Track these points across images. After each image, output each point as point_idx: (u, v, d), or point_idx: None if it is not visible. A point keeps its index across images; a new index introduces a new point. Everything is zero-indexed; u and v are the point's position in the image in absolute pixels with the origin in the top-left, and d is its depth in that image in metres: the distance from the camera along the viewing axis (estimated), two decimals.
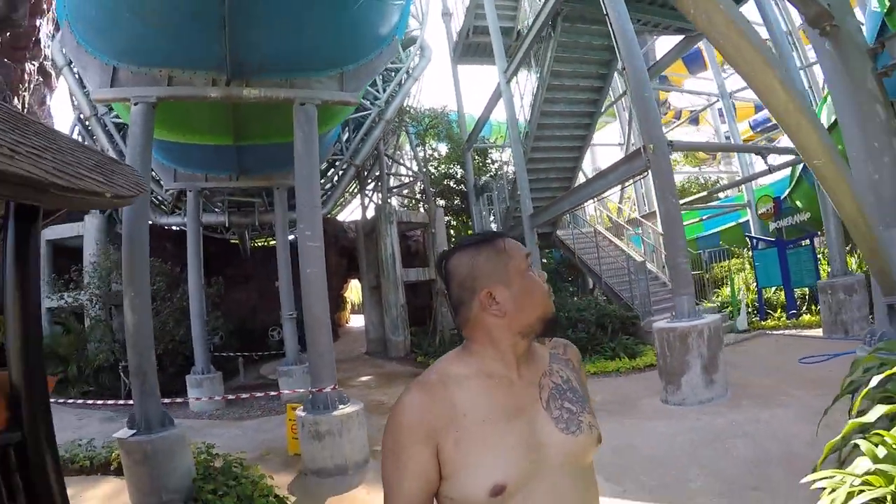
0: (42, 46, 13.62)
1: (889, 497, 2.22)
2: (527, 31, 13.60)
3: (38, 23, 13.04)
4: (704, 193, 20.32)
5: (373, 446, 6.24)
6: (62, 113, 72.23)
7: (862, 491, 2.28)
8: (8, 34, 12.08)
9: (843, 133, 5.31)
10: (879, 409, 2.63)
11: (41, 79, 14.46)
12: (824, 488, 2.54)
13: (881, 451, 2.41)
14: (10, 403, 2.94)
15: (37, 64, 13.82)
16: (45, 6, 13.21)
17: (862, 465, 2.43)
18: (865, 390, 2.93)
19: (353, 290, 30.84)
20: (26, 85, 13.31)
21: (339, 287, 23.75)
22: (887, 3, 7.67)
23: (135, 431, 5.45)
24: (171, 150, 10.28)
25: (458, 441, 1.16)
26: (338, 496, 5.21)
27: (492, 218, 18.47)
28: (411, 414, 1.19)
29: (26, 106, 13.02)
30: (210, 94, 6.91)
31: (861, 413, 2.82)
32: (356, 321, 28.25)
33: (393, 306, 16.23)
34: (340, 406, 6.11)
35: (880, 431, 2.52)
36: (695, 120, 27.48)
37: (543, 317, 1.27)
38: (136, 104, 6.58)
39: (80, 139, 13.86)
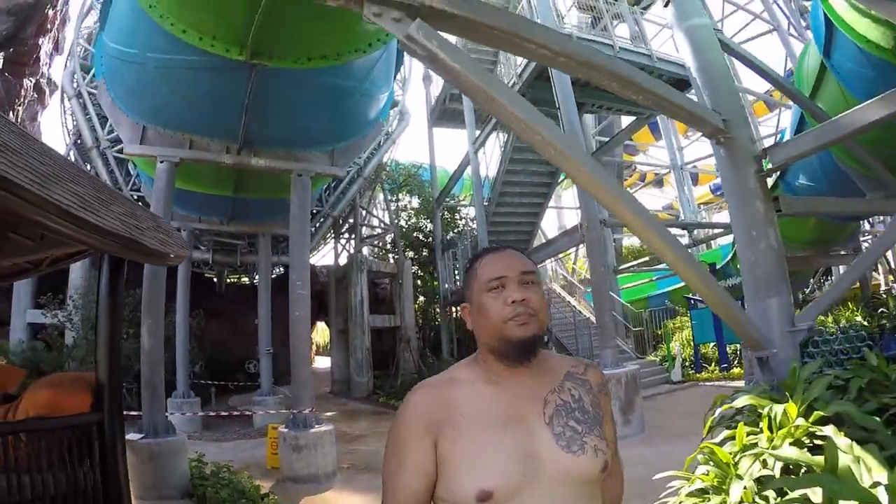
0: (41, 64, 14.53)
1: (710, 488, 3.49)
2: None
3: (40, 41, 13.88)
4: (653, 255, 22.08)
5: (339, 464, 7.45)
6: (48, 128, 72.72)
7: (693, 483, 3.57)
8: (12, 51, 12.86)
9: (731, 223, 6.87)
10: (723, 433, 3.93)
11: (36, 95, 15.32)
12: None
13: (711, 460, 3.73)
14: (96, 394, 4.17)
15: (34, 80, 14.89)
16: (48, 26, 14.13)
17: (700, 469, 3.73)
18: (711, 417, 4.24)
19: (319, 332, 31.78)
20: (22, 100, 14.28)
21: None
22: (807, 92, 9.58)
23: (143, 435, 6.61)
24: (184, 201, 11.52)
25: (454, 441, 1.19)
26: (311, 497, 6.36)
27: (456, 272, 19.89)
28: (413, 409, 1.25)
29: (19, 119, 13.90)
30: (224, 160, 8.28)
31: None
32: (321, 362, 29.17)
33: (359, 349, 17.41)
34: (316, 426, 7.34)
35: (709, 444, 3.80)
36: (659, 182, 29.54)
37: (498, 339, 1.26)
38: (161, 162, 7.93)
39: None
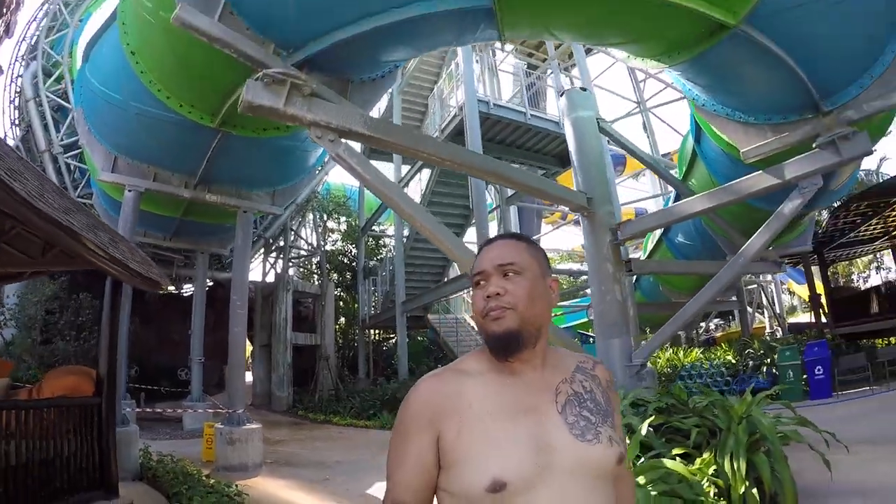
0: None
1: None
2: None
3: None
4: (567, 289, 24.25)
5: (264, 459, 8.89)
6: None
7: None
8: None
9: (589, 279, 8.82)
10: None
11: None
12: None
13: None
14: (97, 385, 5.56)
15: None
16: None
17: None
18: None
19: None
20: None
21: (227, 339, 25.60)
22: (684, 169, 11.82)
23: None
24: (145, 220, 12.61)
25: (461, 431, 1.16)
26: (242, 482, 7.73)
27: (374, 298, 21.51)
28: (418, 399, 1.23)
29: None
30: (182, 194, 9.67)
31: None
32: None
33: (281, 365, 18.67)
34: (247, 424, 8.76)
35: None
36: (577, 221, 32.12)
37: (482, 334, 1.26)
38: (129, 191, 9.25)
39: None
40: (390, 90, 17.07)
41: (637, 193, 30.15)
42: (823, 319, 18.10)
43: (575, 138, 9.09)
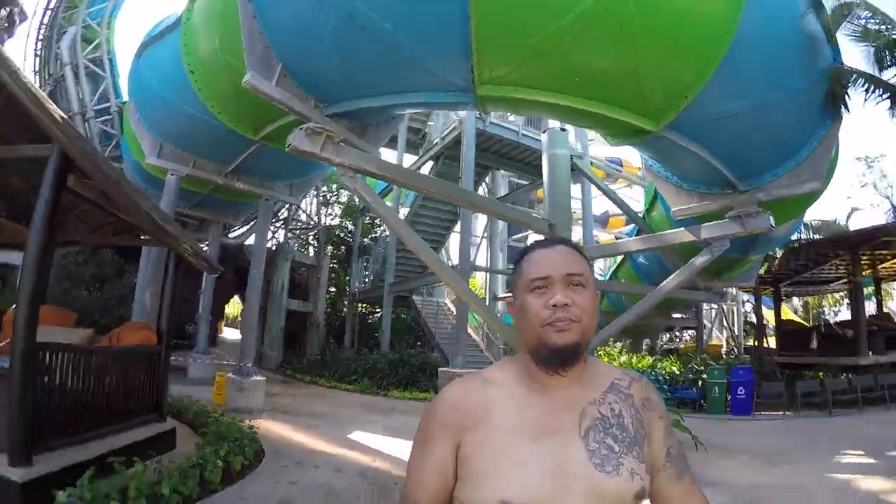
0: None
1: None
2: (423, 153, 19.15)
3: None
4: None
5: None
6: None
7: None
8: None
9: None
10: None
11: (6, 24, 17.42)
12: None
13: None
14: (159, 337, 7.45)
15: (8, 10, 16.86)
16: None
17: None
18: None
19: (232, 305, 34.39)
20: None
21: (224, 300, 27.54)
22: (649, 200, 13.69)
23: None
24: (156, 184, 14.36)
25: (481, 444, 1.15)
26: (250, 420, 9.70)
27: (366, 274, 23.49)
28: (445, 405, 1.23)
29: None
30: (216, 180, 11.52)
31: None
32: (229, 333, 31.89)
33: (274, 327, 20.63)
34: (254, 376, 10.73)
35: None
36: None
37: (536, 343, 1.20)
38: (171, 174, 11.06)
39: None
40: None
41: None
42: (775, 345, 20.41)
43: (548, 172, 10.98)
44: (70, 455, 5.24)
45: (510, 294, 1.31)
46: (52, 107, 5.07)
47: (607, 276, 21.53)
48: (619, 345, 24.90)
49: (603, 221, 30.91)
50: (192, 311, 16.63)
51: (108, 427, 6.08)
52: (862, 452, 8.99)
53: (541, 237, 5.05)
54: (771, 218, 7.93)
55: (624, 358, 17.88)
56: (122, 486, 4.91)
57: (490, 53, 5.63)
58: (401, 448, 8.58)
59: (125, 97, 17.87)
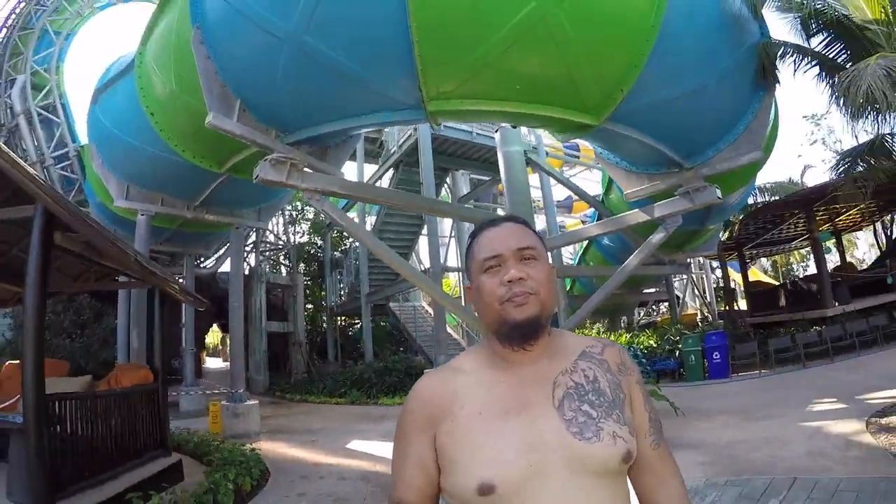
0: None
1: None
2: (382, 162, 19.53)
3: None
4: None
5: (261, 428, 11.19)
6: None
7: None
8: None
9: None
10: None
11: None
12: None
13: None
14: (155, 375, 7.74)
15: None
16: None
17: None
18: None
19: (212, 334, 34.34)
20: None
21: (204, 329, 27.58)
22: (605, 185, 14.18)
23: None
24: (124, 224, 14.46)
25: (452, 433, 1.15)
26: (249, 443, 10.00)
27: (341, 287, 23.81)
28: (415, 401, 1.24)
29: None
30: (186, 214, 11.75)
31: None
32: (211, 362, 31.88)
33: (257, 351, 20.82)
34: (247, 400, 11.02)
35: None
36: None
37: (497, 322, 1.20)
38: (142, 215, 11.27)
39: None
40: None
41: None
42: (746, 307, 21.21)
43: (505, 169, 11.47)
44: (89, 497, 5.55)
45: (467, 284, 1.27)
46: (30, 169, 5.37)
47: (576, 261, 22.21)
48: (597, 326, 25.58)
49: (568, 206, 31.54)
50: (176, 344, 16.75)
51: (120, 467, 6.36)
52: (834, 399, 9.59)
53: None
54: (718, 190, 8.48)
55: (603, 336, 18.40)
56: None
57: (435, 72, 6.05)
58: None
59: (82, 141, 18.12)
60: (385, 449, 9.22)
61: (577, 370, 1.23)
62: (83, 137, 18.11)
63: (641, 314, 34.60)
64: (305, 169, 7.45)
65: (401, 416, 1.25)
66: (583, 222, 33.21)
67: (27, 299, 5.30)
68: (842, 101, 6.73)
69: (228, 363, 25.77)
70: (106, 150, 11.45)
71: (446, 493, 1.17)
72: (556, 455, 1.10)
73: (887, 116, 7.14)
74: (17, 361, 8.35)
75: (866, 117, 7.18)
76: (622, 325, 27.31)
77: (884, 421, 7.51)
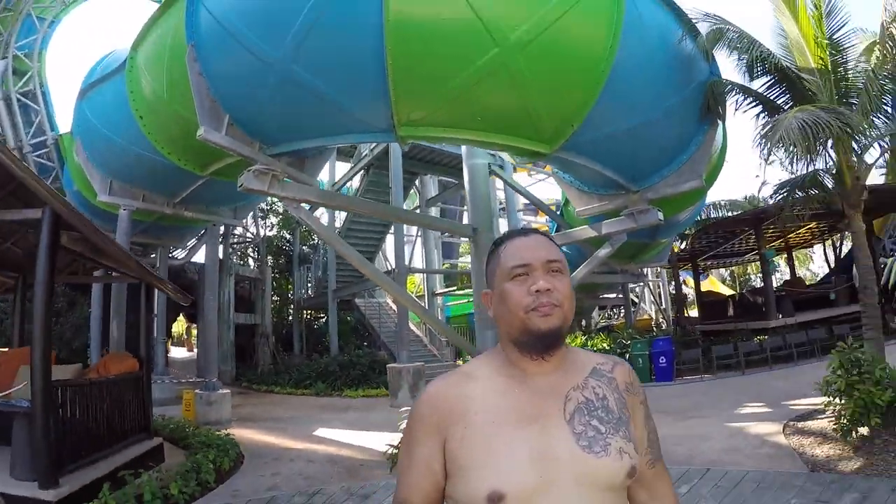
0: None
1: None
2: (354, 163, 20.21)
3: None
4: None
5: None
6: None
7: None
8: None
9: (473, 288, 12.13)
10: None
11: None
12: None
13: None
14: (140, 363, 8.38)
15: None
16: None
17: None
18: None
19: (178, 323, 34.55)
20: None
21: (171, 320, 27.86)
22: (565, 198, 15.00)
23: None
24: (100, 215, 14.86)
25: (464, 438, 1.16)
26: (218, 431, 10.65)
27: (308, 282, 24.42)
28: (426, 403, 1.24)
29: None
30: (165, 210, 12.32)
31: None
32: (176, 352, 32.15)
33: (225, 342, 21.27)
34: (220, 389, 11.68)
35: None
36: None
37: (519, 330, 1.20)
38: (124, 210, 11.81)
39: None
40: None
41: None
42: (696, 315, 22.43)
43: (469, 180, 12.25)
44: (88, 474, 6.22)
45: (484, 291, 1.33)
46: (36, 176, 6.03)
47: None
48: None
49: (533, 209, 32.47)
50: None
51: (111, 448, 7.04)
52: (762, 403, 10.53)
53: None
54: (660, 213, 9.33)
55: None
56: (137, 492, 5.96)
57: (406, 102, 6.79)
58: (360, 438, 9.93)
59: (60, 129, 18.41)
60: (349, 436, 10.07)
61: (587, 386, 1.25)
62: (61, 126, 18.44)
63: (599, 318, 35.81)
64: (285, 179, 8.15)
65: (410, 419, 1.27)
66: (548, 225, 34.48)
67: (36, 295, 5.94)
68: (759, 145, 7.68)
69: (194, 353, 26.40)
70: (91, 146, 11.90)
71: (451, 500, 1.19)
72: (565, 467, 1.13)
73: (805, 159, 8.08)
74: (6, 350, 8.97)
75: (783, 161, 8.18)
76: (580, 326, 28.41)
77: (800, 424, 8.43)
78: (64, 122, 19.07)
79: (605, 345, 17.62)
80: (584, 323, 30.55)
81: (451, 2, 6.07)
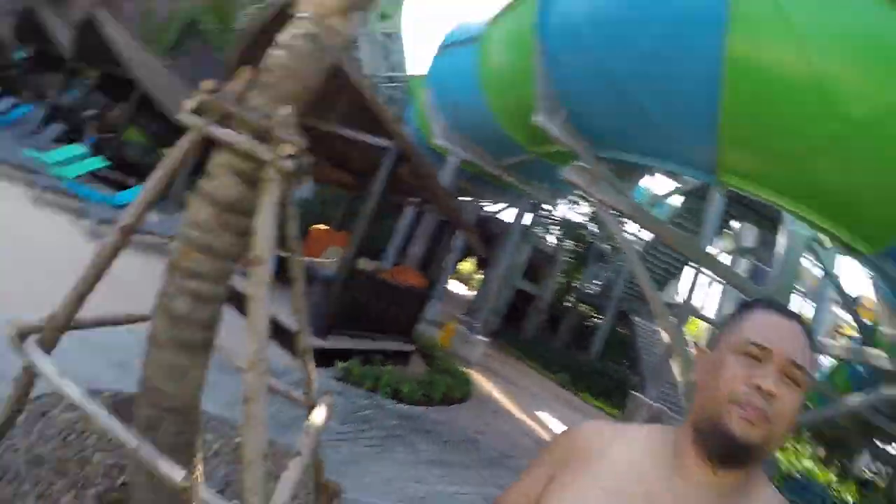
0: None
1: None
2: (676, 187, 19.78)
3: None
4: None
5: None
6: None
7: None
8: None
9: None
10: None
11: None
12: None
13: None
14: (427, 286, 9.85)
15: None
16: None
17: None
18: None
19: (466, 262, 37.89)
20: None
21: (461, 258, 30.39)
22: None
23: None
24: (434, 157, 17.27)
25: (564, 486, 1.04)
26: (465, 367, 11.89)
27: (597, 279, 24.69)
28: (562, 436, 1.19)
29: None
30: (490, 169, 14.01)
31: None
32: (455, 287, 36.08)
33: (501, 298, 22.73)
34: (479, 335, 12.98)
35: None
36: None
37: (707, 418, 0.95)
38: (453, 157, 13.61)
39: None
40: None
41: None
42: None
43: (785, 245, 11.33)
44: (346, 342, 7.85)
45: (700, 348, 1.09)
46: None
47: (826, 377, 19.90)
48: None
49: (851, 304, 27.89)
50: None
51: (374, 334, 8.65)
52: None
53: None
54: None
55: None
56: (377, 374, 7.28)
57: (734, 151, 6.73)
58: None
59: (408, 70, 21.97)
60: (555, 431, 10.50)
61: None
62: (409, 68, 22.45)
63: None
64: (603, 182, 8.65)
65: (551, 439, 1.19)
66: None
67: (368, 203, 7.71)
68: None
69: (470, 294, 28.73)
70: (440, 98, 13.97)
71: None
72: None
73: None
74: (322, 226, 11.17)
75: None
76: (837, 465, 19.94)
77: None
78: (410, 64, 22.80)
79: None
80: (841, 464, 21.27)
81: (794, 55, 5.64)
